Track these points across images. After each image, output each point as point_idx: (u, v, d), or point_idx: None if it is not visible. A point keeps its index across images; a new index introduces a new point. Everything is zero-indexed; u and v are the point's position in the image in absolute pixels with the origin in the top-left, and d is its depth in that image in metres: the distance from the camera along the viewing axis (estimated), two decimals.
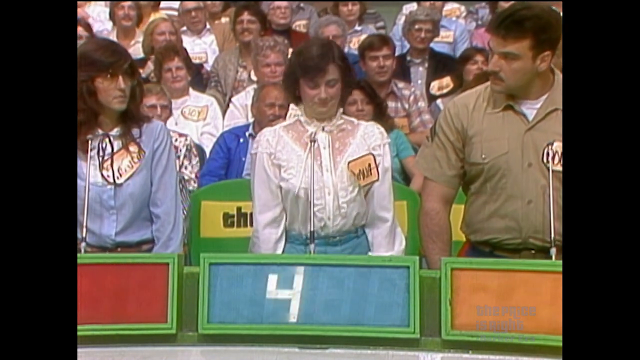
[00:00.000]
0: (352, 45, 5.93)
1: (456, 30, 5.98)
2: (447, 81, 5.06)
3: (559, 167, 2.61)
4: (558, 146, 2.61)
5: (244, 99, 4.89)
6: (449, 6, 6.45)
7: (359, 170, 2.75)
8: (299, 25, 6.49)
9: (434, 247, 2.76)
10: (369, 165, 2.76)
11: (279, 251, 2.81)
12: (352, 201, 2.79)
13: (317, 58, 2.78)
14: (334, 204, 2.77)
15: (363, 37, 5.89)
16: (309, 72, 2.77)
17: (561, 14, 2.85)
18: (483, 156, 2.70)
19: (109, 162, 2.78)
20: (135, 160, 2.81)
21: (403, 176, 4.34)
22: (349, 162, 2.77)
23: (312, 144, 2.76)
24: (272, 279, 2.36)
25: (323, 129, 2.82)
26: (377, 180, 2.79)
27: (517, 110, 2.69)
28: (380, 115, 4.35)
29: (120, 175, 2.79)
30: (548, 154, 2.61)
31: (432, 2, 6.03)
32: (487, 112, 2.72)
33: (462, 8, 6.66)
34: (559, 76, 2.74)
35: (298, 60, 2.82)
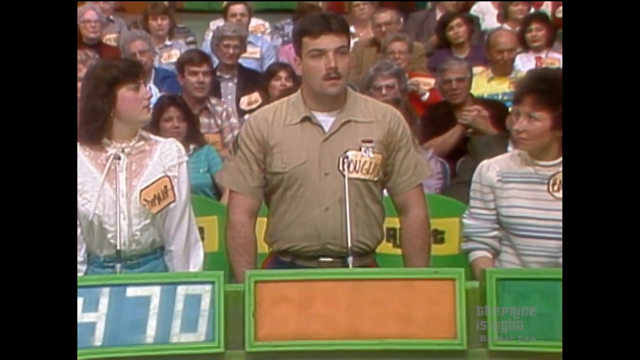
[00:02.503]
0: (163, 60, 5.89)
1: (262, 46, 6.09)
2: (255, 96, 5.14)
3: (354, 175, 2.74)
4: (353, 155, 2.74)
5: None
6: (254, 23, 6.55)
7: (154, 196, 2.72)
8: (110, 39, 6.37)
9: (240, 260, 2.80)
10: (165, 187, 2.74)
11: (80, 274, 2.73)
12: (146, 229, 2.77)
13: (130, 61, 2.86)
14: (129, 231, 2.74)
15: (174, 51, 5.89)
16: (131, 73, 2.73)
17: None
18: (283, 165, 2.78)
19: None
20: None
21: (215, 191, 4.37)
22: (141, 191, 2.73)
23: (116, 161, 2.70)
24: (78, 302, 2.30)
25: (123, 150, 2.77)
26: (174, 200, 2.78)
27: (315, 122, 2.80)
28: (194, 132, 4.39)
29: None
30: (343, 162, 2.71)
31: (238, 18, 6.10)
32: (286, 124, 2.81)
33: (267, 24, 6.78)
34: (349, 89, 2.88)
35: (114, 67, 2.75)
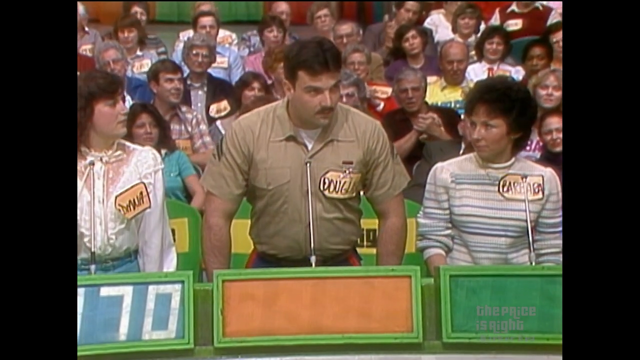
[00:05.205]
0: (135, 70, 5.82)
1: (230, 56, 6.05)
2: (224, 104, 5.12)
3: (334, 195, 2.73)
4: (332, 175, 2.73)
5: None
6: (222, 34, 6.51)
7: (129, 201, 2.68)
8: (85, 49, 6.27)
9: (214, 261, 2.77)
10: (141, 193, 2.70)
11: None
12: (120, 233, 2.72)
13: (110, 76, 2.77)
14: (104, 235, 2.69)
15: (145, 61, 5.82)
16: (110, 89, 2.68)
17: None
18: (267, 183, 2.76)
19: None
20: None
21: (185, 194, 4.34)
22: (116, 196, 2.68)
23: (90, 167, 2.66)
24: None
25: (101, 159, 2.72)
26: (150, 207, 2.73)
27: (300, 141, 2.76)
28: (165, 138, 4.36)
29: None
30: (324, 182, 2.71)
31: (207, 30, 6.06)
32: (271, 140, 2.76)
33: (234, 35, 6.75)
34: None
35: (93, 81, 2.68)
